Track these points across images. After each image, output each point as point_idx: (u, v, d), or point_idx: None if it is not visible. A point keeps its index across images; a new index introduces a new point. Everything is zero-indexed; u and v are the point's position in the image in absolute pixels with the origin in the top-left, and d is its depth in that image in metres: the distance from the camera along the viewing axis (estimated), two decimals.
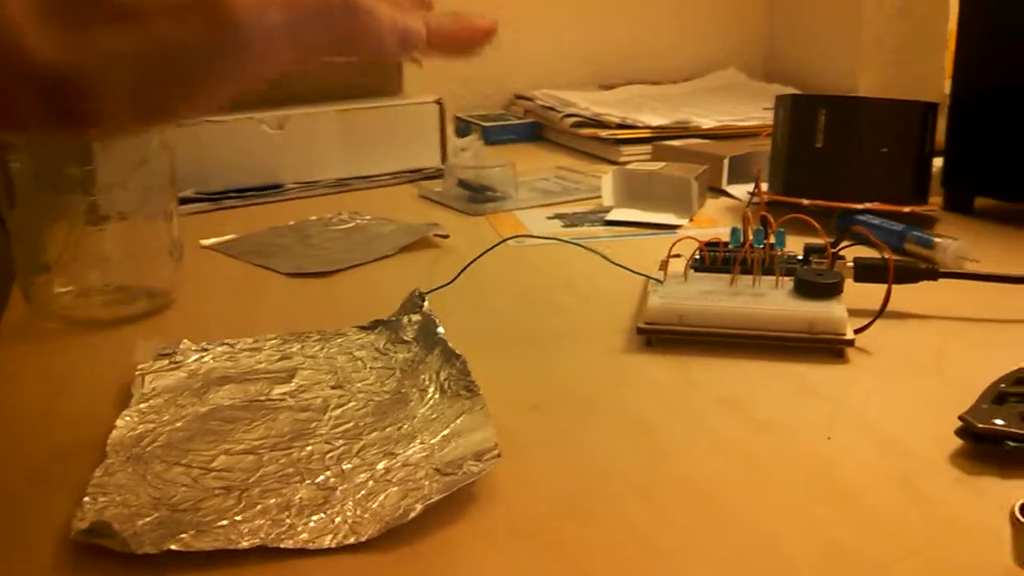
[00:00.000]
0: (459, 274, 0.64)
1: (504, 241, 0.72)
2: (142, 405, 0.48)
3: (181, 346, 0.55)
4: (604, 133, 1.14)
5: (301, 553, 0.37)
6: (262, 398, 0.49)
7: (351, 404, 0.48)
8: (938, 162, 0.85)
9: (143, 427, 0.46)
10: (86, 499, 0.40)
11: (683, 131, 1.14)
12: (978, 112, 0.84)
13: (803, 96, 0.85)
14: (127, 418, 0.47)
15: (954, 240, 0.70)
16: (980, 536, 0.37)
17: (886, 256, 0.58)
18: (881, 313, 0.56)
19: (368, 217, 0.86)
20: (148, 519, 0.38)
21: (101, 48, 0.32)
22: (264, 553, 0.37)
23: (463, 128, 1.28)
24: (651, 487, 0.41)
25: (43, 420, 0.49)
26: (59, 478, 0.42)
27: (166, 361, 0.53)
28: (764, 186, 0.84)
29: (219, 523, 0.38)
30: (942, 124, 0.85)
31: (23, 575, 0.36)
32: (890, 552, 0.36)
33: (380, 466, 0.42)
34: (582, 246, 0.68)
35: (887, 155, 0.81)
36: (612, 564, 0.36)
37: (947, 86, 0.89)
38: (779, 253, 0.59)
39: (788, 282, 0.58)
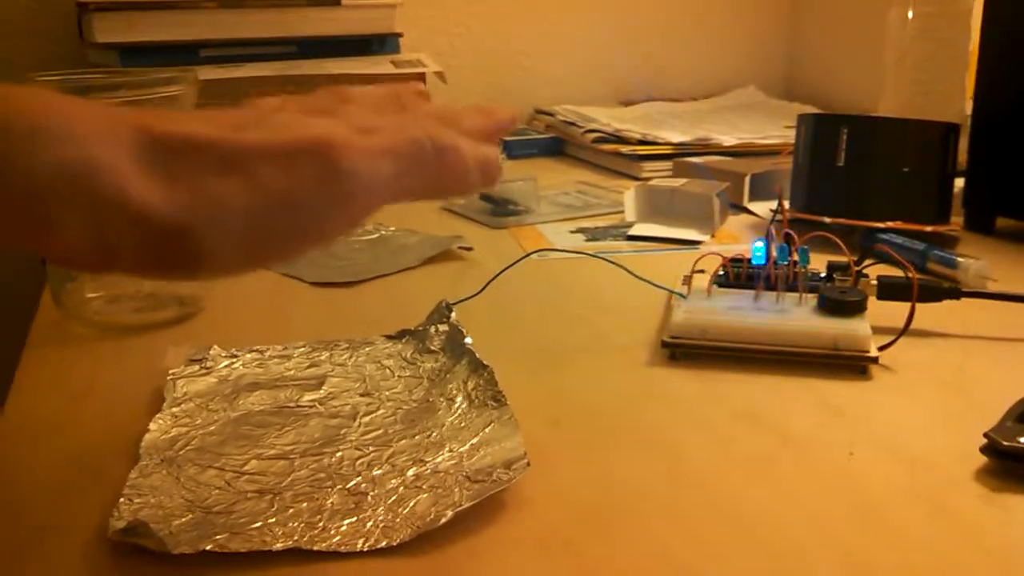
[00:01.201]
0: (485, 286, 0.65)
1: (529, 255, 0.73)
2: (174, 409, 0.49)
3: (211, 352, 0.55)
4: (625, 149, 1.14)
5: (333, 556, 0.37)
6: (292, 404, 0.50)
7: (380, 412, 0.49)
8: (959, 182, 0.86)
9: (176, 430, 0.47)
10: (122, 499, 0.40)
11: (704, 148, 1.14)
12: (999, 133, 0.84)
13: (825, 115, 0.86)
14: (160, 421, 0.48)
15: (976, 260, 0.71)
16: (1005, 553, 0.38)
17: (910, 275, 0.59)
18: (905, 331, 0.56)
19: (392, 228, 0.87)
20: (183, 520, 0.39)
21: (209, 198, 0.32)
22: (297, 555, 0.37)
23: None
24: (674, 502, 0.42)
25: (75, 423, 0.50)
26: (92, 480, 0.43)
27: (197, 367, 0.54)
28: (786, 204, 0.85)
29: (253, 525, 0.39)
30: (963, 144, 0.85)
31: (59, 573, 0.37)
32: (914, 569, 0.37)
33: (410, 473, 0.43)
34: (607, 260, 0.69)
35: (909, 175, 0.81)
36: None
37: (968, 107, 0.90)
38: (803, 270, 0.60)
39: (812, 299, 0.58)
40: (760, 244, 0.61)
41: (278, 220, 0.34)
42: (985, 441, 0.44)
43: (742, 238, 0.86)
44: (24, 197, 0.30)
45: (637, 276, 0.65)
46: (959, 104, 1.02)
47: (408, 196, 0.38)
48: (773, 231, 0.61)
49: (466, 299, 0.63)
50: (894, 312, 0.58)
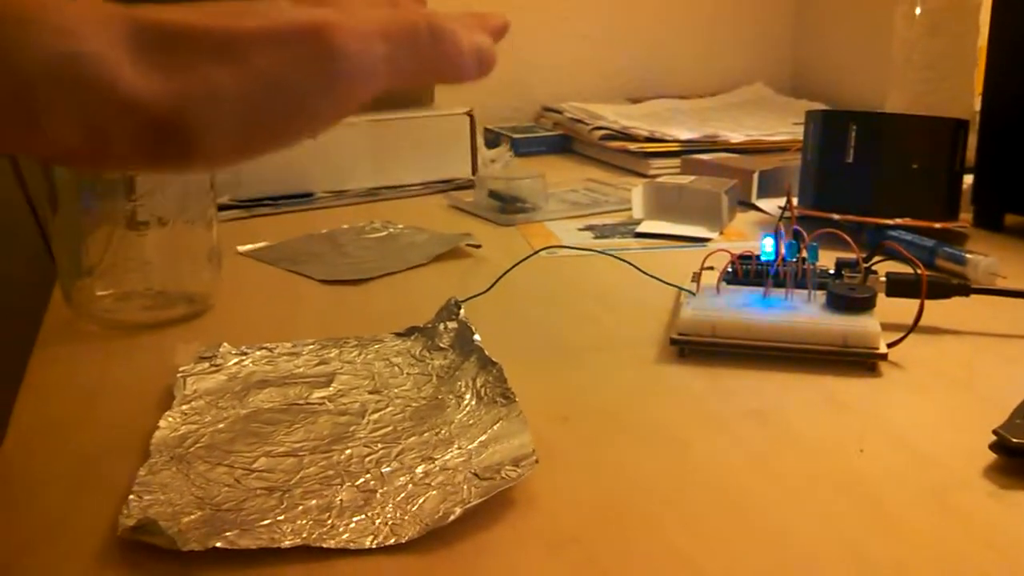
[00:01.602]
0: (494, 283, 0.65)
1: (538, 252, 0.73)
2: (184, 407, 0.49)
3: (221, 349, 0.55)
4: (633, 146, 1.14)
5: (342, 553, 0.37)
6: (301, 402, 0.50)
7: (389, 409, 0.49)
8: (968, 179, 0.85)
9: (185, 428, 0.47)
10: (131, 497, 0.41)
11: (712, 145, 1.14)
12: (1008, 129, 0.84)
13: (834, 112, 0.86)
14: (170, 419, 0.48)
15: (985, 256, 0.71)
16: (1014, 550, 0.38)
17: (919, 271, 0.58)
18: (914, 328, 0.56)
19: (401, 226, 0.87)
20: (192, 517, 0.39)
21: (202, 84, 0.32)
22: (306, 552, 0.37)
23: (492, 140, 1.29)
24: (683, 498, 0.42)
25: (85, 420, 0.50)
26: (102, 477, 0.43)
27: (206, 364, 0.54)
28: (795, 200, 0.85)
29: (262, 522, 0.39)
30: (972, 141, 0.85)
31: (69, 571, 0.37)
32: (923, 565, 0.37)
33: (419, 470, 0.43)
34: (616, 257, 0.69)
35: (918, 171, 0.81)
36: (645, 575, 0.36)
37: (977, 103, 0.90)
38: (812, 267, 0.60)
39: (821, 296, 0.58)
40: (769, 240, 0.61)
41: (271, 103, 0.33)
42: (994, 438, 0.44)
43: (750, 235, 0.86)
44: (14, 88, 0.30)
45: (646, 273, 0.65)
46: (968, 100, 1.01)
47: (403, 80, 0.37)
48: (782, 228, 0.61)
49: (475, 296, 0.63)
50: (903, 309, 0.57)
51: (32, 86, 0.30)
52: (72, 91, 0.31)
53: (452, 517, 0.38)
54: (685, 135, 1.15)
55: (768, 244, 0.60)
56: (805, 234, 0.61)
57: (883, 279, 0.61)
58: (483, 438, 0.45)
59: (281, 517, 0.39)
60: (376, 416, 0.48)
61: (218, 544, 0.37)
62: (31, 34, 0.30)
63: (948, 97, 1.06)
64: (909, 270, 0.60)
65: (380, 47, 0.35)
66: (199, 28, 0.33)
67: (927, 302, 0.58)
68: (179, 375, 0.52)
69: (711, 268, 0.62)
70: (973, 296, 0.62)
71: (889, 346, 0.55)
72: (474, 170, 1.07)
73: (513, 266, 0.67)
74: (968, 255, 0.71)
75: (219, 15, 0.34)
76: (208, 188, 0.65)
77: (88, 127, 0.31)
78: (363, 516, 0.39)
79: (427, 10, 0.42)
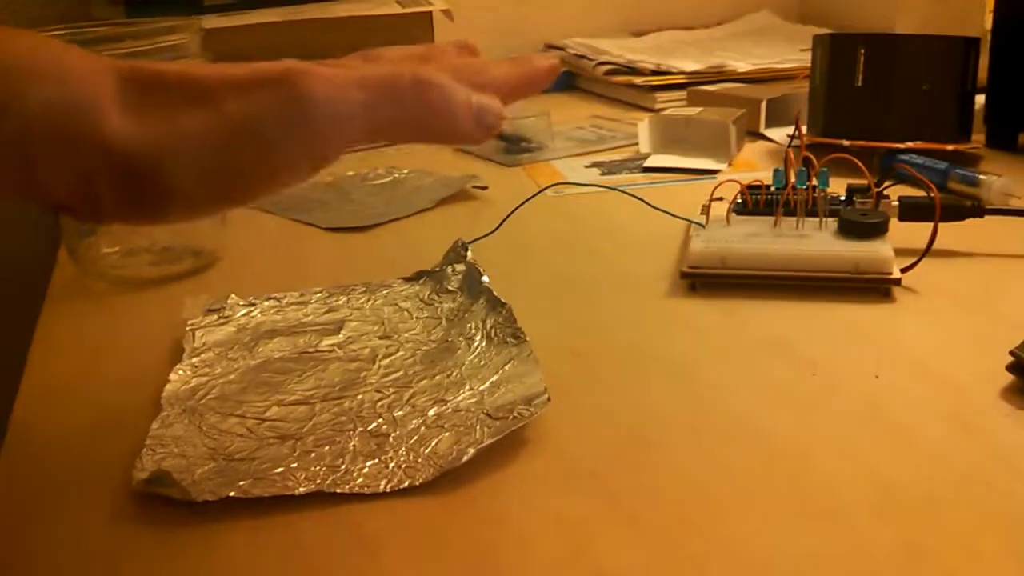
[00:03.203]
0: (501, 223, 0.64)
1: (544, 190, 0.72)
2: (194, 359, 0.49)
3: (229, 301, 0.55)
4: (638, 80, 1.12)
5: (357, 497, 0.37)
6: (311, 350, 0.50)
7: (399, 354, 0.49)
8: (980, 99, 0.84)
9: (196, 380, 0.47)
10: (145, 450, 0.40)
11: (719, 76, 1.12)
12: (1021, 46, 0.82)
13: (842, 35, 0.84)
14: (180, 372, 0.48)
15: (999, 177, 0.69)
16: None
17: (932, 194, 0.57)
18: (928, 251, 0.55)
19: (406, 171, 0.86)
20: (206, 468, 0.39)
21: (177, 131, 0.32)
22: (321, 498, 0.37)
23: None
24: (699, 430, 0.41)
25: (95, 377, 0.50)
26: (115, 431, 0.43)
27: (215, 316, 0.54)
28: (803, 129, 0.83)
29: (275, 470, 0.39)
30: (984, 61, 0.83)
31: (84, 525, 0.37)
32: (942, 487, 0.36)
33: (431, 413, 0.42)
34: (623, 192, 0.68)
35: (929, 93, 0.79)
36: (664, 507, 0.36)
37: (988, 21, 0.88)
38: (822, 194, 0.59)
39: (832, 223, 0.57)
40: (779, 168, 0.60)
41: (243, 151, 0.33)
42: (1011, 359, 0.44)
43: (760, 165, 0.84)
44: (15, 137, 0.30)
45: (654, 207, 0.65)
46: (979, 19, 0.99)
47: (387, 134, 0.37)
48: (791, 155, 0.60)
49: (482, 237, 0.63)
50: (916, 233, 0.56)
51: (29, 135, 0.31)
52: (68, 141, 0.31)
53: (465, 458, 0.38)
54: (691, 66, 1.13)
55: (779, 174, 0.59)
56: (815, 160, 0.60)
57: (895, 204, 0.60)
58: (494, 378, 0.45)
59: (294, 465, 0.39)
60: (387, 361, 0.48)
61: (232, 493, 0.37)
62: (29, 83, 0.31)
63: (958, 15, 1.04)
64: (921, 194, 0.59)
65: (355, 94, 0.34)
66: (176, 75, 0.33)
67: (941, 225, 0.57)
68: (188, 328, 0.52)
69: (720, 199, 0.61)
70: (987, 217, 0.61)
71: (903, 271, 0.54)
72: None
73: (519, 205, 0.66)
74: (981, 176, 0.70)
75: (199, 65, 0.34)
76: None
77: (80, 177, 0.32)
78: (376, 460, 0.39)
79: (461, 61, 0.40)
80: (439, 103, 0.36)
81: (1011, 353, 0.44)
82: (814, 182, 0.59)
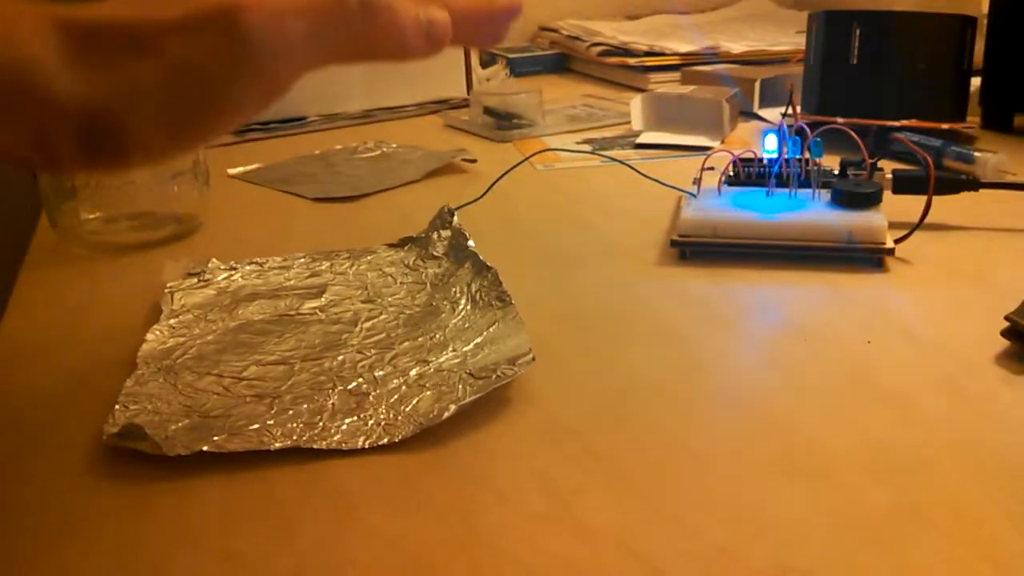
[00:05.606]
0: (487, 190, 0.63)
1: (532, 156, 0.71)
2: (172, 320, 0.48)
3: (209, 265, 0.54)
4: (632, 61, 1.12)
5: (334, 454, 0.36)
6: (292, 312, 0.49)
7: (382, 317, 0.48)
8: (976, 81, 0.83)
9: (173, 341, 0.46)
10: (117, 407, 0.39)
11: (712, 57, 1.11)
12: (1017, 27, 0.81)
13: (837, 12, 0.83)
14: (157, 332, 0.47)
15: (994, 154, 0.69)
16: None
17: (927, 164, 0.57)
18: (922, 222, 0.54)
19: (395, 145, 0.85)
20: (179, 425, 0.38)
21: (124, 79, 0.31)
22: (297, 454, 0.36)
23: (488, 60, 1.26)
24: (686, 394, 0.41)
25: (72, 337, 0.49)
26: (90, 391, 0.42)
27: (195, 280, 0.53)
28: (798, 108, 0.82)
29: (251, 427, 0.38)
30: (980, 41, 0.82)
31: (56, 479, 0.36)
32: (936, 451, 0.36)
33: (413, 372, 0.41)
34: (613, 159, 0.67)
35: (924, 71, 0.78)
36: (648, 466, 0.35)
37: (985, 2, 0.87)
38: (816, 164, 0.58)
39: (825, 194, 0.57)
40: (772, 136, 0.59)
41: (191, 93, 0.32)
42: (1007, 324, 0.43)
43: (753, 144, 0.83)
44: None
45: (644, 175, 0.64)
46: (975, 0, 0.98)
47: (336, 59, 0.35)
48: (785, 125, 0.59)
49: (468, 204, 0.62)
50: (911, 207, 0.56)
51: None
52: (14, 98, 0.30)
53: (446, 415, 0.37)
54: (685, 48, 1.12)
55: (770, 141, 0.58)
56: (809, 131, 0.59)
57: (889, 176, 0.59)
58: (478, 340, 0.44)
59: (271, 422, 0.38)
60: (369, 324, 0.47)
61: (205, 448, 0.36)
62: None
63: None
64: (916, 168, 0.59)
65: (298, 24, 0.33)
66: (119, 21, 0.32)
67: (935, 198, 0.56)
68: (166, 291, 0.51)
69: (711, 168, 0.60)
70: (982, 191, 0.60)
71: (896, 242, 0.53)
72: (469, 89, 1.05)
73: (507, 171, 0.65)
74: (976, 153, 0.69)
75: (138, 5, 0.33)
76: None
77: (35, 134, 0.31)
78: (355, 418, 0.38)
79: None
80: (387, 25, 0.35)
81: (1006, 318, 0.43)
82: (807, 154, 0.58)
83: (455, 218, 0.56)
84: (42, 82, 0.30)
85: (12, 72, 0.30)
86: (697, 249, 0.55)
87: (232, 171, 0.78)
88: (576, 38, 1.24)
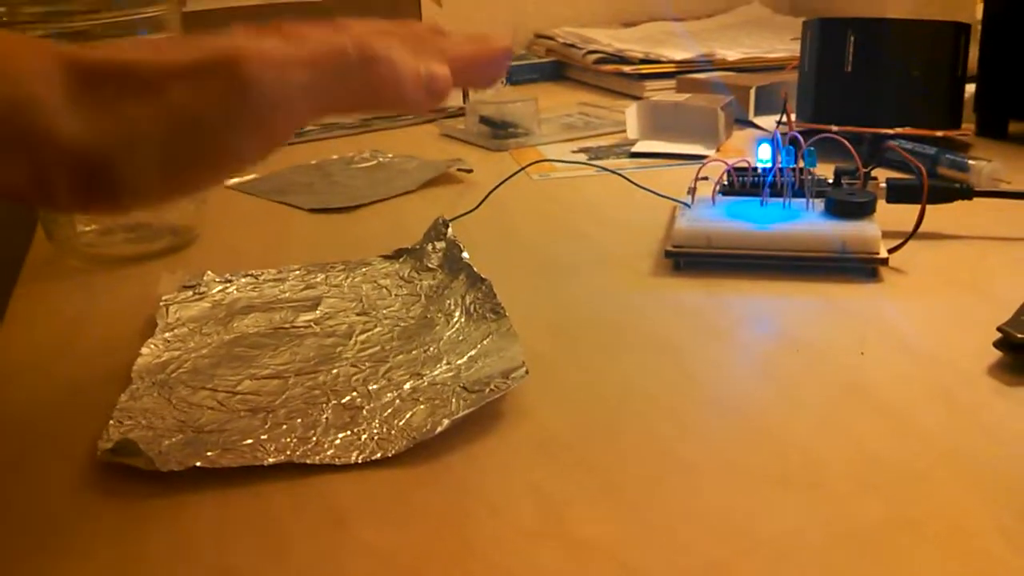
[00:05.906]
0: (482, 201, 0.63)
1: (528, 166, 0.71)
2: (167, 334, 0.48)
3: (205, 278, 0.54)
4: (627, 68, 1.12)
5: (328, 469, 0.36)
6: (287, 325, 0.49)
7: (377, 330, 0.48)
8: (970, 88, 0.83)
9: (168, 354, 0.46)
10: (111, 422, 0.39)
11: (708, 64, 1.12)
12: (1011, 34, 0.81)
13: (832, 20, 0.83)
14: (152, 346, 0.47)
15: (989, 162, 0.69)
16: (1021, 445, 0.36)
17: (920, 172, 0.57)
18: (916, 231, 0.54)
19: (391, 155, 0.85)
20: (173, 440, 0.38)
21: (125, 121, 0.32)
22: (291, 469, 0.36)
23: None
24: (680, 405, 0.41)
25: (68, 350, 0.49)
26: (85, 405, 0.42)
27: (190, 292, 0.53)
28: (793, 117, 0.83)
29: (244, 442, 0.38)
30: (975, 48, 0.83)
31: (50, 494, 0.36)
32: (929, 462, 0.36)
33: (407, 386, 0.42)
34: (608, 169, 0.67)
35: (919, 79, 0.78)
36: (641, 478, 0.35)
37: (979, 9, 0.87)
38: (809, 173, 0.58)
39: (819, 204, 0.57)
40: (765, 146, 0.59)
41: (190, 139, 0.33)
42: (999, 335, 0.43)
43: (748, 153, 0.83)
44: None
45: (639, 185, 0.64)
46: (970, 6, 0.99)
47: (335, 109, 0.36)
48: (779, 134, 0.59)
49: (463, 215, 0.62)
50: (905, 216, 0.56)
51: None
52: (20, 138, 0.31)
53: (440, 429, 0.37)
54: (680, 55, 1.12)
55: (764, 151, 0.58)
56: (802, 140, 0.59)
57: (883, 185, 0.59)
58: (472, 353, 0.44)
59: (264, 436, 0.38)
60: (363, 337, 0.47)
61: (199, 463, 0.36)
62: None
63: (949, 5, 1.03)
64: (909, 177, 0.59)
65: (299, 75, 0.33)
66: (123, 64, 0.33)
67: (929, 207, 0.56)
68: (162, 304, 0.51)
69: (706, 178, 0.60)
70: (976, 200, 0.60)
71: (890, 251, 0.54)
72: (465, 98, 1.05)
73: (501, 182, 0.65)
74: (971, 161, 0.69)
75: (144, 49, 0.33)
76: None
77: (33, 172, 0.31)
78: (348, 432, 0.38)
79: (421, 28, 0.40)
80: (387, 78, 0.35)
81: (999, 329, 0.43)
82: (801, 164, 0.58)
83: (450, 229, 0.56)
84: (43, 121, 0.31)
85: (13, 110, 0.30)
86: (691, 259, 0.55)
87: (228, 181, 0.78)
88: (572, 46, 1.24)
